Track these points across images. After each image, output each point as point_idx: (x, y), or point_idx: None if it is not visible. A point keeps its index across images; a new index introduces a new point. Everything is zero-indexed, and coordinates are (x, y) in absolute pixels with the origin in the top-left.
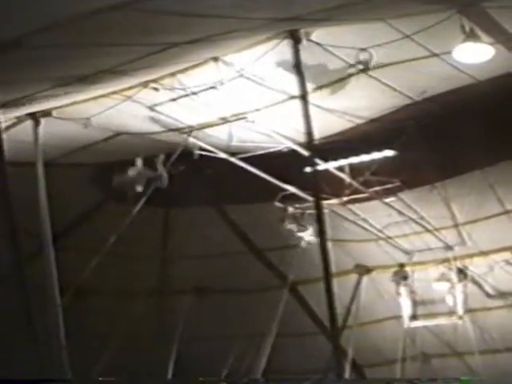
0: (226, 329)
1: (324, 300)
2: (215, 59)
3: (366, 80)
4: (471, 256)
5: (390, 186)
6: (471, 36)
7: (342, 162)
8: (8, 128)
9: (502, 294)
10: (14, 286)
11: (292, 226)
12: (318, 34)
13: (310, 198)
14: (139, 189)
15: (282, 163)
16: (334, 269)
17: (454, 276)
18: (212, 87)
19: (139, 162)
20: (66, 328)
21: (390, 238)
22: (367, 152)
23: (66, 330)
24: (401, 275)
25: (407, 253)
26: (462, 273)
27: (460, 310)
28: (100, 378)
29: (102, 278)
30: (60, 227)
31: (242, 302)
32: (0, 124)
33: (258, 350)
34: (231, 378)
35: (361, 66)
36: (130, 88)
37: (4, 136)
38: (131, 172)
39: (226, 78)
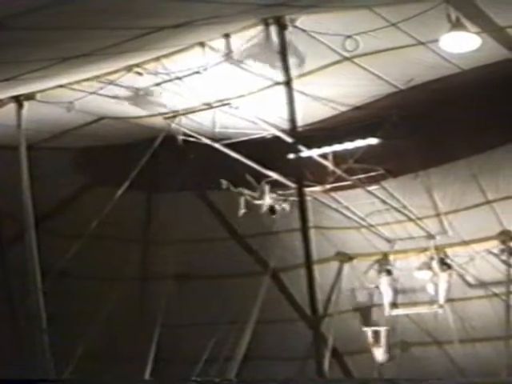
0: (207, 314)
1: (305, 287)
2: (201, 44)
3: (351, 67)
4: (453, 245)
5: (373, 174)
6: (457, 25)
7: (326, 149)
8: None
9: (482, 284)
10: None
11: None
12: (304, 20)
13: (293, 185)
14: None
15: (265, 150)
16: (315, 256)
17: (435, 265)
18: (196, 72)
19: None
20: (47, 312)
21: (372, 226)
22: (351, 140)
23: (47, 314)
24: (382, 263)
25: (389, 241)
26: (444, 263)
27: (441, 299)
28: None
29: (84, 261)
30: (42, 211)
31: (223, 287)
32: None
33: (238, 336)
34: (204, 378)
35: (346, 54)
36: (114, 72)
37: None
38: None
39: (211, 63)
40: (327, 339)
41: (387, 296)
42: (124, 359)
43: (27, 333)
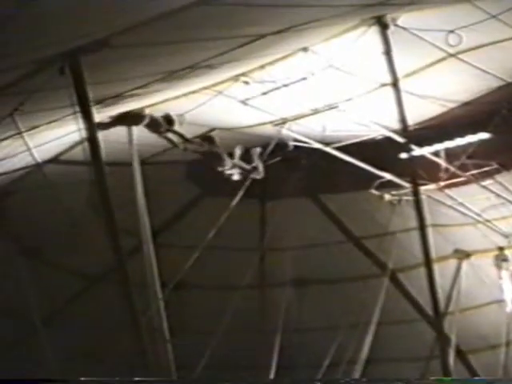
0: (327, 319)
1: (424, 287)
2: (304, 49)
3: (456, 64)
4: None
5: (486, 168)
6: None
7: (438, 146)
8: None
9: None
10: (118, 284)
11: None
12: (405, 18)
13: (407, 185)
14: (235, 178)
15: (376, 151)
16: (433, 255)
17: None
18: (303, 78)
19: (237, 152)
20: (168, 323)
21: (488, 221)
22: (462, 136)
23: (169, 325)
24: (501, 259)
25: (506, 236)
26: None
27: None
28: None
29: (202, 272)
30: (158, 224)
31: (341, 291)
32: (95, 125)
33: (360, 339)
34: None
35: (450, 50)
36: (221, 83)
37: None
38: (227, 163)
39: (316, 68)
40: (450, 338)
41: (508, 292)
42: (246, 367)
43: (150, 344)
